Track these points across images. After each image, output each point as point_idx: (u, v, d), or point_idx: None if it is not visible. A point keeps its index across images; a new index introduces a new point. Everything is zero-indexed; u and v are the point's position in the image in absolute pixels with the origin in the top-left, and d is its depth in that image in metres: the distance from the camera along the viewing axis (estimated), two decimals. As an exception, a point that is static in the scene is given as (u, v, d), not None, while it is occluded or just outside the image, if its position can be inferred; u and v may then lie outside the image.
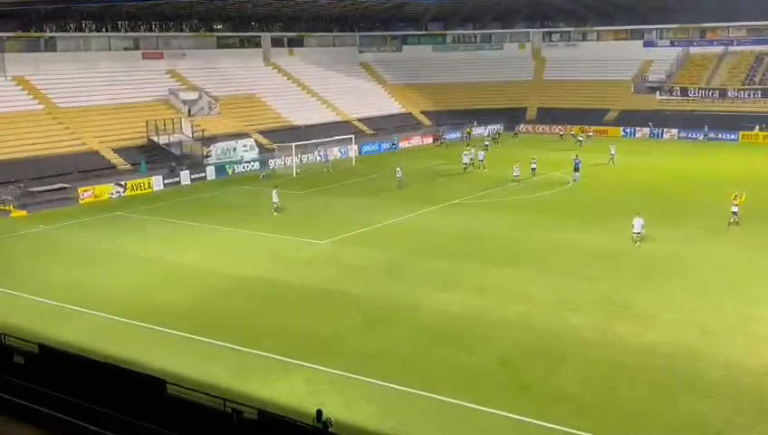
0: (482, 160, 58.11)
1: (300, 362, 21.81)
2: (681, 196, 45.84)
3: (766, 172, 53.96)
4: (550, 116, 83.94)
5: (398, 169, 52.10)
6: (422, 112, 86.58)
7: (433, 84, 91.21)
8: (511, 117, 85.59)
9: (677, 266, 31.33)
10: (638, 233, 34.92)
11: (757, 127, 73.05)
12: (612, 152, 58.59)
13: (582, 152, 59.30)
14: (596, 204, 43.98)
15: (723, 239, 35.44)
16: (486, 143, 66.16)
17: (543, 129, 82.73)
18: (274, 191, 44.21)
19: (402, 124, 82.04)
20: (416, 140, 77.04)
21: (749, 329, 23.93)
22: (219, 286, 29.61)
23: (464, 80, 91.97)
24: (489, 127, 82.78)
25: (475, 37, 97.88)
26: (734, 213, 37.94)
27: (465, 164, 56.35)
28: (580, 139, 70.06)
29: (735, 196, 38.58)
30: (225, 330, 24.66)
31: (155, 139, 60.13)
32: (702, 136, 74.52)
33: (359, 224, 39.69)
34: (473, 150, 59.16)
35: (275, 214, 43.07)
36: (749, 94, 77.41)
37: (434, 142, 77.01)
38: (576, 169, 52.44)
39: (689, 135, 75.76)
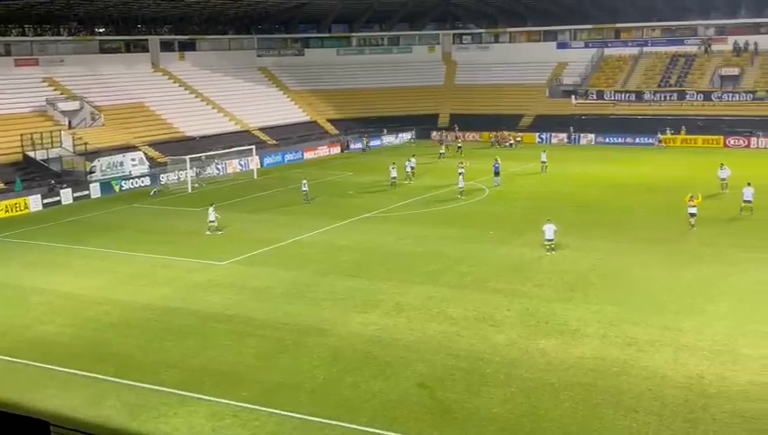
0: (411, 170, 57.07)
1: (200, 396, 21.26)
2: (605, 204, 46.35)
3: (687, 177, 54.75)
4: (462, 123, 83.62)
5: (303, 181, 51.39)
6: (328, 121, 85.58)
7: (339, 90, 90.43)
8: (422, 124, 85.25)
9: (601, 278, 31.19)
10: (551, 240, 34.88)
11: (669, 130, 74.59)
12: (543, 159, 58.48)
13: (509, 159, 58.99)
14: (516, 214, 44.13)
15: (649, 248, 35.71)
16: (409, 166, 58.95)
17: (457, 136, 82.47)
18: (211, 209, 42.55)
19: (307, 133, 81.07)
20: (322, 150, 76.35)
21: (675, 340, 24.13)
22: (107, 316, 28.68)
23: (371, 85, 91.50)
24: (400, 135, 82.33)
25: (382, 39, 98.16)
26: (693, 214, 38.60)
27: (394, 178, 54.90)
28: (511, 143, 72.36)
29: (691, 196, 39.17)
30: (115, 364, 23.89)
31: (31, 154, 58.20)
32: (621, 140, 76.07)
33: (263, 242, 38.91)
34: (413, 160, 57.98)
35: (209, 233, 41.74)
36: (664, 97, 79.57)
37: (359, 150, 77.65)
38: (496, 174, 52.68)
39: (607, 140, 77.06)
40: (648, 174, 57.51)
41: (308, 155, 74.58)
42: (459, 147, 73.07)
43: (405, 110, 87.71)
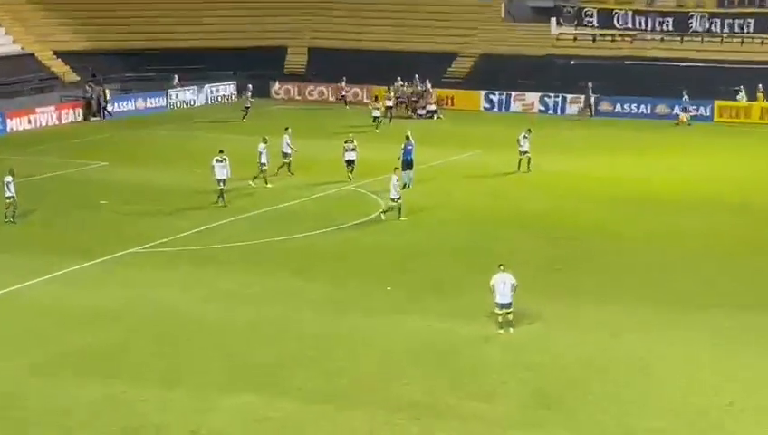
0: (288, 158, 43.32)
1: None
2: (609, 232, 34.06)
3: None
4: (331, 65, 63.37)
5: (6, 179, 37.05)
6: (57, 54, 61.45)
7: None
8: (254, 68, 63.16)
9: (601, 382, 22.41)
10: (505, 305, 23.42)
11: (743, 91, 54.88)
12: (523, 146, 43.97)
13: (432, 140, 46.62)
14: (442, 251, 31.43)
15: (698, 322, 25.81)
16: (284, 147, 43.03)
17: (317, 91, 62.57)
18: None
19: (16, 81, 57.75)
20: (47, 115, 54.88)
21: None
22: None
23: None
24: (217, 87, 62.27)
25: None
26: None
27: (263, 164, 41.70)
28: (430, 110, 56.35)
29: None
30: None
31: None
32: (645, 110, 57.00)
33: None
34: (286, 137, 43.72)
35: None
36: (732, 25, 57.14)
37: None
38: (406, 165, 38.38)
39: (618, 108, 57.73)
40: (696, 174, 44.08)
41: (14, 123, 53.74)
42: (376, 117, 53.96)
43: (219, 39, 65.02)
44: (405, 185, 39.46)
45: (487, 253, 31.20)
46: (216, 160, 38.43)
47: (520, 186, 44.31)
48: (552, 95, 60.54)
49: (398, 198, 37.01)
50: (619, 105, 58.58)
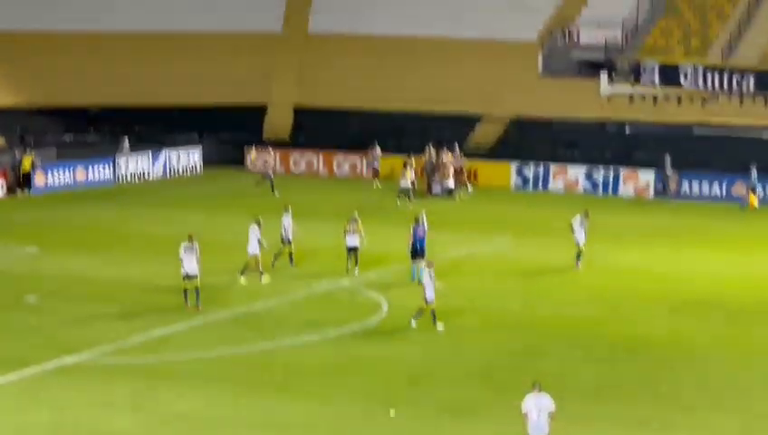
0: (289, 245, 43.97)
1: None
2: (672, 349, 34.34)
3: None
4: (323, 127, 64.16)
5: None
6: None
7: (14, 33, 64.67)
8: (225, 127, 64.60)
9: None
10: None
11: None
12: (579, 238, 44.16)
13: (450, 225, 47.30)
14: (463, 366, 31.22)
15: None
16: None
17: (304, 162, 63.06)
18: None
19: None
20: None
21: None
22: None
23: (95, 27, 66.86)
24: (185, 152, 61.92)
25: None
26: None
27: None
28: (447, 187, 55.77)
29: None
30: None
31: None
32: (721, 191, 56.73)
33: None
34: (287, 218, 44.34)
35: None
36: None
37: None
38: (416, 254, 40.06)
39: (687, 189, 57.28)
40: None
41: None
42: (405, 189, 55.97)
43: (181, 93, 64.17)
44: (414, 278, 40.28)
45: (519, 371, 29.67)
46: (185, 249, 36.90)
47: (561, 285, 42.35)
48: (602, 170, 58.67)
49: (433, 300, 36.99)
50: (686, 184, 56.74)
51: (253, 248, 40.97)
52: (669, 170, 57.26)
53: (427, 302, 35.73)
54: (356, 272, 41.97)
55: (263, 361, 33.92)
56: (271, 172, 59.24)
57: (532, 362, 32.68)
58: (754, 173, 55.37)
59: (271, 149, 62.05)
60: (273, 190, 57.82)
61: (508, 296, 41.54)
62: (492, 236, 50.17)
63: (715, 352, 35.24)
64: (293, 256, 43.28)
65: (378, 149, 61.74)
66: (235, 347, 34.96)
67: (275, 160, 61.98)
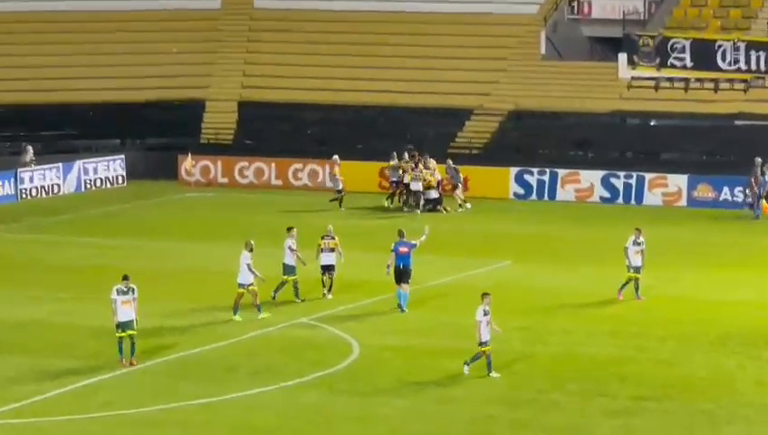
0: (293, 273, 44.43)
1: None
2: (714, 392, 33.33)
3: None
4: (274, 127, 62.57)
5: None
6: None
7: None
8: (155, 130, 64.22)
9: None
10: None
11: None
12: (634, 259, 44.70)
13: (445, 248, 46.48)
14: (458, 422, 29.16)
15: None
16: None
17: (252, 170, 61.72)
18: None
19: None
20: None
21: None
22: None
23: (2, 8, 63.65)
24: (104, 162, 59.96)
25: None
26: None
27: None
28: (430, 199, 55.41)
29: None
30: None
31: None
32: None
33: None
34: (290, 240, 46.09)
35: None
36: None
37: None
38: (401, 276, 40.24)
39: (736, 192, 55.06)
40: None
41: None
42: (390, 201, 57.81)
43: (99, 88, 64.34)
44: (404, 309, 39.91)
45: (523, 428, 31.16)
46: (119, 292, 35.56)
47: (575, 318, 41.43)
48: (622, 175, 56.45)
49: (488, 342, 35.33)
50: (726, 189, 55.34)
51: (244, 278, 41.36)
52: (764, 176, 52.79)
53: (481, 344, 35.48)
54: (329, 297, 42.66)
55: (201, 419, 33.52)
56: (341, 185, 59.50)
57: (538, 416, 32.44)
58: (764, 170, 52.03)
59: (336, 157, 60.92)
60: (340, 206, 59.51)
61: (509, 333, 40.08)
62: (487, 258, 50.57)
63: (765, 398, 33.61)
64: (298, 288, 44.59)
65: (337, 160, 61.03)
66: (170, 401, 34.57)
67: (339, 172, 61.56)
